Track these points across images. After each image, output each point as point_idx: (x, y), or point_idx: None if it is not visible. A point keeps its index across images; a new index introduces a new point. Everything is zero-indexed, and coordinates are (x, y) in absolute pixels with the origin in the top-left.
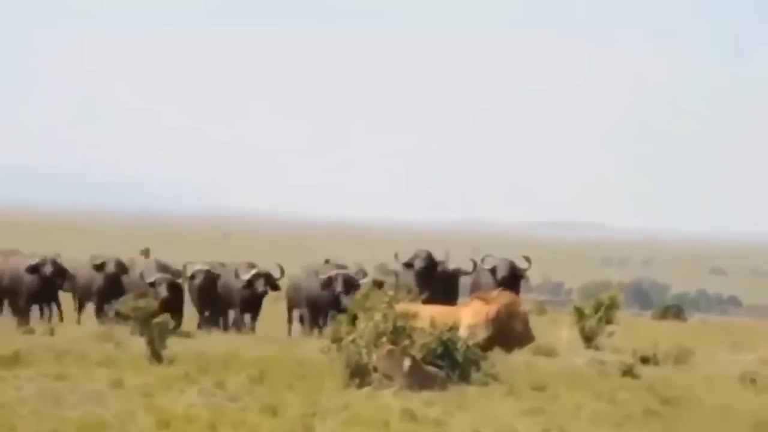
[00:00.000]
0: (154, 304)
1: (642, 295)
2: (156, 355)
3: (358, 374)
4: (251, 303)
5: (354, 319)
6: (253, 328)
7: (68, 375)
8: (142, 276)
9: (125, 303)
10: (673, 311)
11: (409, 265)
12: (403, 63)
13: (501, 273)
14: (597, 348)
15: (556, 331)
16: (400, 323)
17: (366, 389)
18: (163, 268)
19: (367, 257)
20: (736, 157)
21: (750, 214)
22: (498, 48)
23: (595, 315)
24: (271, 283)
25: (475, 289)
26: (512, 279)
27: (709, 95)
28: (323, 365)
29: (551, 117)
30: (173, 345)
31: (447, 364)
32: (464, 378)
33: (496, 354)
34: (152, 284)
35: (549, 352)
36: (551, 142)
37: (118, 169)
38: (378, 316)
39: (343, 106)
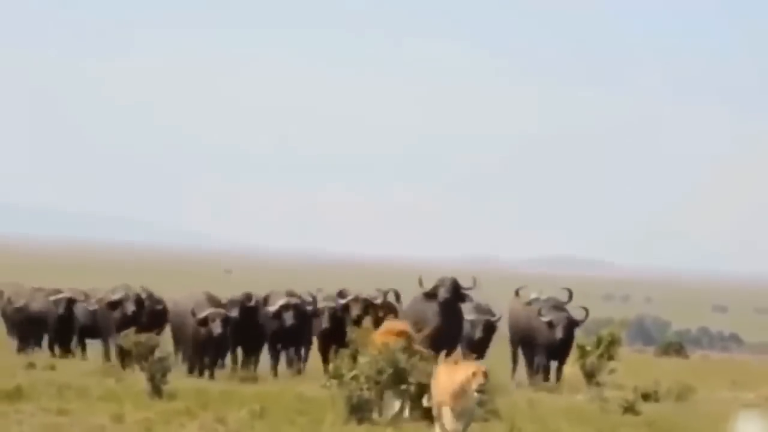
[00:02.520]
0: (155, 339)
1: (644, 332)
2: (157, 390)
3: (359, 410)
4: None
5: (355, 355)
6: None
7: (69, 410)
8: (193, 312)
9: (127, 338)
10: (675, 348)
11: (431, 295)
12: (395, 100)
13: (559, 334)
14: (599, 384)
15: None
16: (401, 360)
17: (366, 425)
18: (214, 302)
19: (368, 291)
20: (739, 197)
21: (752, 253)
22: (502, 89)
23: (597, 351)
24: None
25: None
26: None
27: (713, 139)
28: (324, 400)
29: (556, 155)
30: (174, 380)
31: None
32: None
33: (497, 390)
34: (204, 320)
35: (551, 389)
36: (555, 180)
37: (116, 206)
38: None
39: (344, 143)
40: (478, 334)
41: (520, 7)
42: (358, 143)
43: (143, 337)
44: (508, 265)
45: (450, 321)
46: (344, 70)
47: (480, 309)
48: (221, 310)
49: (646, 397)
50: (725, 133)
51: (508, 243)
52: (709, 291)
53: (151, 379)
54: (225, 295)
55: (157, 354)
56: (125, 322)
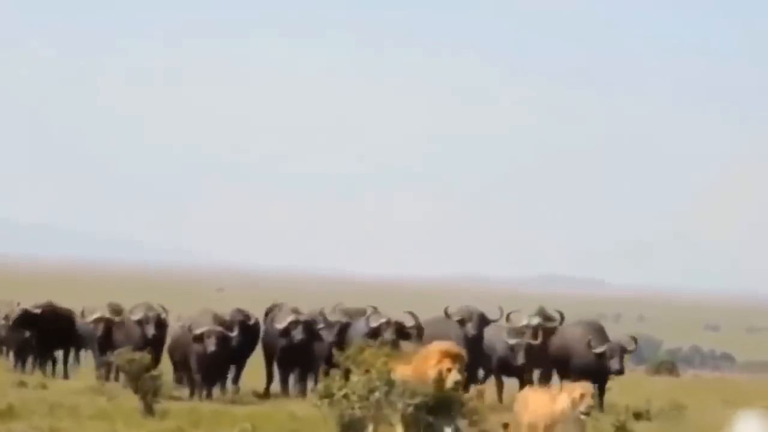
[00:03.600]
0: (147, 357)
1: (636, 351)
2: (148, 409)
3: (350, 429)
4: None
5: (347, 374)
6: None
7: (61, 428)
8: (190, 328)
9: (120, 356)
10: (667, 367)
11: (460, 323)
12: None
13: (615, 365)
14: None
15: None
16: (393, 379)
17: None
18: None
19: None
20: (733, 217)
21: (744, 273)
22: (496, 109)
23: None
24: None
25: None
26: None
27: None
28: (316, 420)
29: (550, 173)
30: (166, 399)
31: (443, 419)
32: None
33: (489, 409)
34: (200, 336)
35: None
36: (550, 198)
37: (107, 224)
38: (372, 371)
39: (326, 140)
40: (520, 359)
41: (518, 12)
42: (352, 159)
43: (137, 355)
44: (499, 284)
45: (475, 356)
46: (340, 82)
47: (518, 332)
48: (218, 328)
49: (637, 416)
50: (725, 139)
51: (499, 261)
52: (702, 310)
53: (143, 397)
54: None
55: (150, 373)
56: (146, 344)
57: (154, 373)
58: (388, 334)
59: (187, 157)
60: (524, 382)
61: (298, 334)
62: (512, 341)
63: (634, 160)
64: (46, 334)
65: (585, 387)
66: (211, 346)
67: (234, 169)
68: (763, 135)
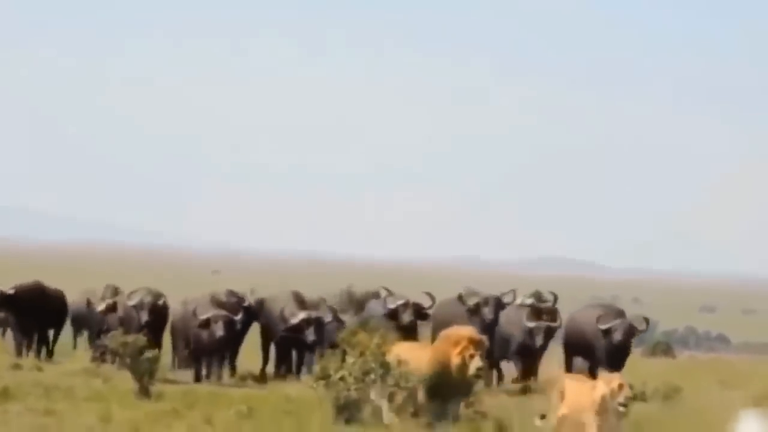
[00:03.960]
0: (141, 339)
1: (646, 331)
2: (144, 391)
3: (346, 410)
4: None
5: (344, 356)
6: None
7: (56, 410)
8: (194, 312)
9: (114, 338)
10: (662, 348)
11: (473, 311)
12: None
13: (618, 337)
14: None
15: (548, 368)
16: (389, 361)
17: (354, 425)
18: (219, 303)
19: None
20: (727, 199)
21: (739, 253)
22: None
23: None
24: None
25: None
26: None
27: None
28: (311, 401)
29: (542, 159)
30: (161, 381)
31: (437, 401)
32: (454, 415)
33: (486, 391)
34: (207, 322)
35: (539, 390)
36: (545, 182)
37: (103, 209)
38: (368, 354)
39: (327, 140)
40: (539, 341)
41: (518, 13)
42: (349, 149)
43: (130, 337)
44: (496, 266)
45: (491, 341)
46: (340, 82)
47: (537, 314)
48: (224, 312)
49: (633, 397)
50: (725, 139)
51: (497, 244)
52: (698, 292)
53: (139, 379)
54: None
55: (145, 355)
56: (140, 329)
57: (150, 355)
58: (407, 316)
59: (187, 155)
60: (536, 364)
61: (310, 335)
62: (531, 324)
63: (633, 160)
64: (27, 315)
65: (620, 378)
66: (219, 331)
67: (234, 166)
68: (763, 135)
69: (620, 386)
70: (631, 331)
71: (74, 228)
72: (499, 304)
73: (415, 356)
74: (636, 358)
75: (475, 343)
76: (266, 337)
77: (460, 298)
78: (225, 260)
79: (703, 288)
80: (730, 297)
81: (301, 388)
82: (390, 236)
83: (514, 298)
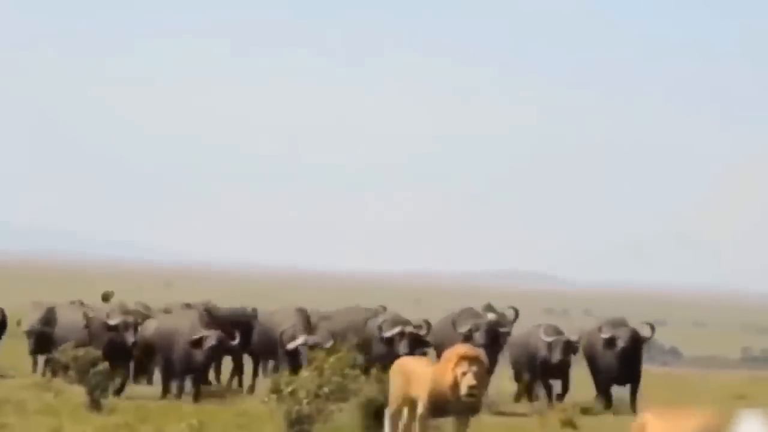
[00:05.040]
0: (93, 353)
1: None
2: (96, 405)
3: (298, 424)
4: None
5: (296, 370)
6: None
7: (7, 424)
8: (186, 333)
9: (65, 352)
10: None
11: (467, 337)
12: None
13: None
14: (537, 399)
15: (498, 382)
16: (341, 376)
17: None
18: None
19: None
20: (681, 213)
21: (691, 266)
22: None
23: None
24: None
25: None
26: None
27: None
28: (263, 416)
29: (496, 166)
30: (113, 395)
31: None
32: None
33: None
34: (199, 341)
35: (489, 404)
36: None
37: (50, 217)
38: (324, 368)
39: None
40: (557, 356)
41: (519, 12)
42: (304, 153)
43: (82, 350)
44: (450, 279)
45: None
46: (340, 82)
47: (556, 330)
48: (216, 331)
49: (585, 411)
50: (725, 139)
51: (450, 256)
52: (649, 304)
53: (90, 393)
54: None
55: (97, 368)
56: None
57: (101, 368)
58: (403, 347)
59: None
60: (566, 383)
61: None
62: (549, 339)
63: (633, 160)
64: None
65: (711, 415)
66: (210, 351)
67: (192, 178)
68: (763, 135)
69: (717, 425)
70: (636, 339)
71: (13, 236)
72: (495, 330)
73: (418, 372)
74: (588, 371)
75: (469, 359)
76: (258, 356)
77: (453, 324)
78: (178, 272)
79: (655, 300)
80: (682, 309)
81: (256, 404)
82: (349, 248)
83: (516, 317)
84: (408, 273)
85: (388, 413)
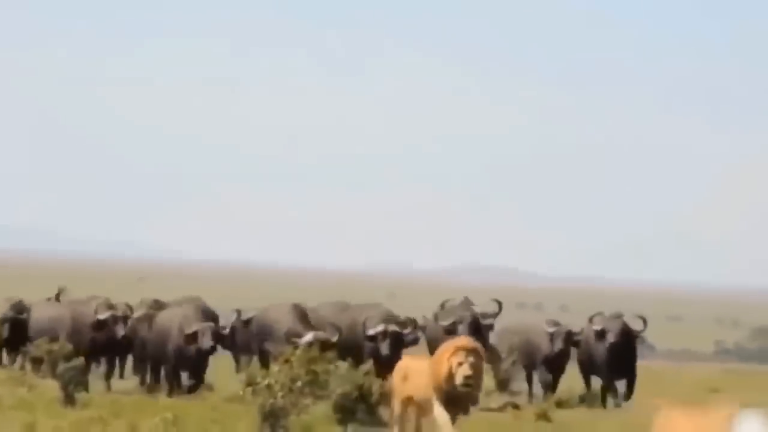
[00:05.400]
0: (67, 347)
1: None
2: (70, 399)
3: (272, 417)
4: None
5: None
6: None
7: None
8: (181, 327)
9: (39, 346)
10: None
11: (449, 331)
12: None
13: (612, 338)
14: (512, 392)
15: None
16: (311, 370)
17: None
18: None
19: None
20: (654, 208)
21: (664, 261)
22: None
23: (510, 359)
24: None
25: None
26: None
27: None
28: (238, 410)
29: (470, 159)
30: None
31: (362, 409)
32: (379, 422)
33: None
34: (194, 335)
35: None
36: (469, 184)
37: (49, 217)
38: (293, 361)
39: (252, 143)
40: (558, 345)
41: (517, 13)
42: (304, 153)
43: (56, 345)
44: (422, 274)
45: None
46: (339, 83)
47: (555, 323)
48: (211, 324)
49: (559, 404)
50: (724, 140)
51: (422, 251)
52: (623, 299)
53: (64, 387)
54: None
55: (71, 363)
56: (112, 344)
57: (75, 363)
58: (385, 348)
59: (112, 145)
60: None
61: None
62: (551, 329)
63: (631, 160)
64: None
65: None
66: (207, 343)
67: (168, 171)
68: (762, 135)
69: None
70: (628, 333)
71: (33, 237)
72: (477, 323)
73: (417, 370)
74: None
75: (465, 350)
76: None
77: (436, 318)
78: (150, 267)
79: (629, 294)
80: (655, 303)
81: (231, 398)
82: (323, 243)
83: (500, 310)
84: (373, 267)
85: (393, 417)
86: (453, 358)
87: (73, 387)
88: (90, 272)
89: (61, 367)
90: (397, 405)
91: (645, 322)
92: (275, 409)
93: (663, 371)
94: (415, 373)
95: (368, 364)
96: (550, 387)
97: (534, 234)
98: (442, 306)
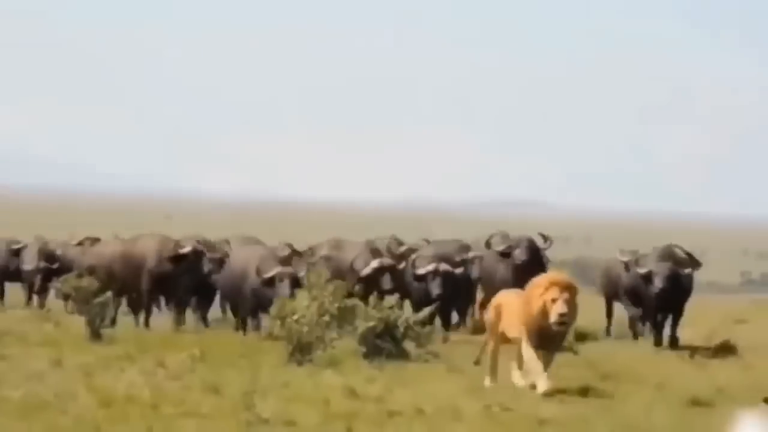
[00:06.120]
0: (94, 283)
1: (584, 273)
2: (96, 335)
3: (300, 351)
4: None
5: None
6: None
7: (8, 355)
8: (258, 270)
9: (67, 282)
10: None
11: (506, 254)
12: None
13: (520, 257)
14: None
15: None
16: (346, 303)
17: (307, 366)
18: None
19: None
20: (684, 139)
21: (688, 193)
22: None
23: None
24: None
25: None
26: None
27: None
28: (265, 343)
29: (494, 96)
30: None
31: (388, 342)
32: (404, 355)
33: (437, 332)
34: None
35: None
36: (494, 121)
37: (49, 148)
38: (327, 294)
39: (276, 85)
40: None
41: None
42: (290, 84)
43: (84, 281)
44: (449, 208)
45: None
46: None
47: (632, 252)
48: (289, 269)
49: (583, 337)
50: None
51: (449, 185)
52: (650, 231)
53: (90, 323)
54: None
55: (98, 299)
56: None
57: (101, 299)
58: (386, 282)
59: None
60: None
61: (386, 283)
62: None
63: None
64: None
65: None
66: (285, 289)
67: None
68: None
69: None
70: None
71: (10, 169)
72: (533, 247)
73: (508, 304)
74: (588, 298)
75: (560, 286)
76: None
77: (488, 245)
78: (178, 204)
79: (654, 226)
80: (682, 234)
81: (259, 334)
82: (342, 179)
83: (550, 243)
84: (398, 201)
85: (488, 354)
86: (546, 294)
87: (99, 322)
88: (114, 209)
89: (88, 303)
90: (491, 341)
91: (546, 238)
92: (302, 343)
93: (690, 304)
94: (510, 308)
95: (393, 299)
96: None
97: (553, 165)
98: (487, 245)
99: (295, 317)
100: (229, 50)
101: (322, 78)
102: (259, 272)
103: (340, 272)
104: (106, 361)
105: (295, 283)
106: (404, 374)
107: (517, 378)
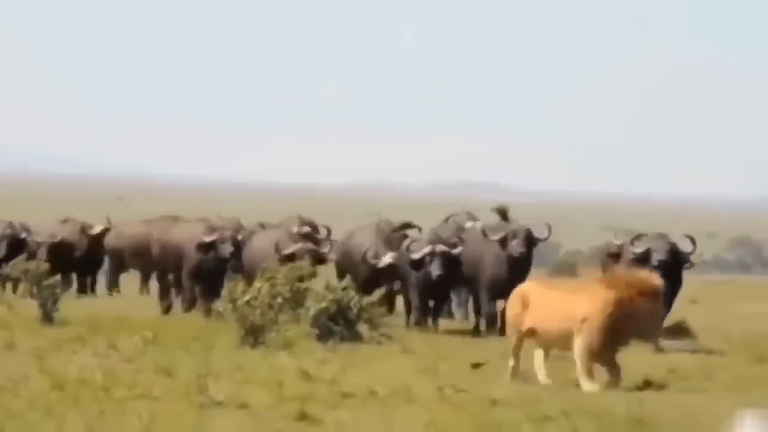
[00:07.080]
0: (44, 266)
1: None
2: (48, 317)
3: (252, 334)
4: None
5: (251, 281)
6: None
7: None
8: (277, 246)
9: (16, 266)
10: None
11: (502, 244)
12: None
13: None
14: None
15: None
16: (297, 285)
17: (260, 348)
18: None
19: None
20: (639, 114)
21: (639, 172)
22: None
23: None
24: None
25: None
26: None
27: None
28: (217, 326)
29: (458, 78)
30: (65, 307)
31: (341, 324)
32: (358, 337)
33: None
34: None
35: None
36: (455, 103)
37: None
38: (279, 277)
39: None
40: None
41: None
42: (245, 67)
43: (32, 264)
44: (406, 190)
45: (521, 275)
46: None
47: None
48: (309, 245)
49: None
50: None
51: (406, 168)
52: (599, 211)
53: (42, 306)
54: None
55: (48, 281)
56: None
57: (52, 281)
58: (436, 268)
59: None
60: None
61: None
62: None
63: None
64: None
65: None
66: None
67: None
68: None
69: None
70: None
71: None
72: (531, 239)
73: (543, 296)
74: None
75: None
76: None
77: (484, 233)
78: (131, 186)
79: (604, 207)
80: (632, 215)
81: (211, 318)
82: (302, 162)
83: (550, 234)
84: (358, 184)
85: (510, 349)
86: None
87: (50, 305)
88: (64, 191)
89: (38, 285)
90: (513, 335)
91: (694, 242)
92: (255, 325)
93: None
94: (540, 299)
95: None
96: None
97: (522, 147)
98: (446, 220)
99: (247, 298)
100: (201, 34)
101: (274, 59)
102: (278, 249)
103: (352, 261)
104: (58, 343)
105: (318, 259)
106: (357, 356)
107: (543, 375)
